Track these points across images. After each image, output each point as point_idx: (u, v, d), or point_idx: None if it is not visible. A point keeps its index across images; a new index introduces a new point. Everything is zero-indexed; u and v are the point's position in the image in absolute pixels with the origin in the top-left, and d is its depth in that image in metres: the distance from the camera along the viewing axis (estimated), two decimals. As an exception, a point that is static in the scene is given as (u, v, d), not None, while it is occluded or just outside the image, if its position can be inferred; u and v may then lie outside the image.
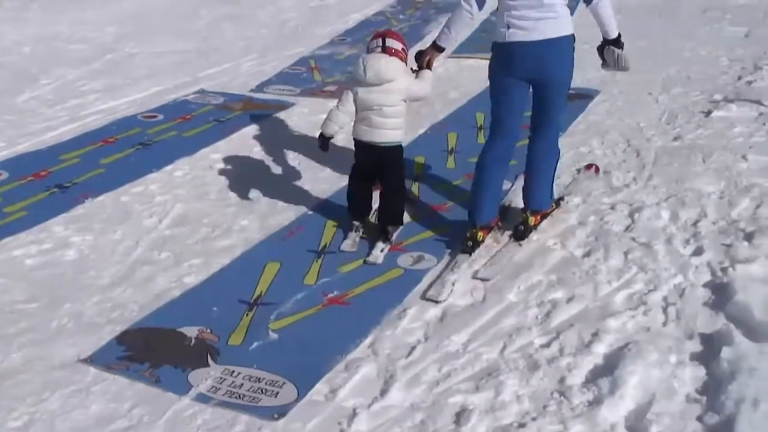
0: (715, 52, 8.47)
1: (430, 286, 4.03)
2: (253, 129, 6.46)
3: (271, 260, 4.30)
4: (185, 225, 4.78)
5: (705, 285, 3.95)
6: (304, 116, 6.82)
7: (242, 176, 5.50)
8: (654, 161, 5.60)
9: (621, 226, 4.61)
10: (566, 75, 4.20)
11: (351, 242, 4.50)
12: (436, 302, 3.88)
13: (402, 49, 4.41)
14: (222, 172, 5.58)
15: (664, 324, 3.65)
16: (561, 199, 4.88)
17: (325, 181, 5.39)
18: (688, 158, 5.63)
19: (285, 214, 4.91)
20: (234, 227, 4.75)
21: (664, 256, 4.25)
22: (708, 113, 6.59)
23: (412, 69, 4.45)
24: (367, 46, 4.47)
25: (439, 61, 4.66)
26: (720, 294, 3.81)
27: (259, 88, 7.67)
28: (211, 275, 4.17)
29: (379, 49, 4.38)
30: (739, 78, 7.55)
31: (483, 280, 4.07)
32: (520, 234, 4.48)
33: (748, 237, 4.38)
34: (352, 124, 4.48)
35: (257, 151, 6.00)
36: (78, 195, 5.12)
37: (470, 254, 4.31)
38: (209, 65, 8.34)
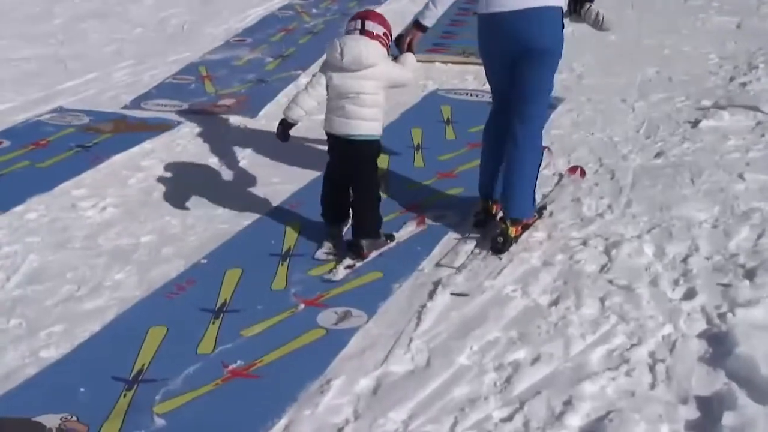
0: (702, 49, 8.77)
1: (445, 255, 4.73)
2: (127, 157, 6.44)
3: (155, 324, 4.26)
4: (41, 282, 4.71)
5: (699, 335, 4.01)
6: (193, 139, 6.85)
7: (116, 217, 5.47)
8: (632, 184, 5.74)
9: (595, 266, 4.69)
10: (552, 52, 4.60)
11: (326, 251, 4.86)
12: (454, 269, 4.52)
13: (384, 33, 4.72)
14: (88, 212, 5.54)
15: (652, 386, 3.69)
16: (543, 208, 5.23)
17: (223, 221, 5.40)
18: (673, 179, 5.77)
19: (171, 263, 4.89)
20: (105, 283, 4.69)
21: (648, 301, 4.33)
22: (695, 123, 6.77)
23: (393, 57, 4.80)
24: (345, 28, 4.76)
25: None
26: (718, 346, 3.87)
27: (135, 103, 7.68)
28: (77, 347, 4.10)
29: (358, 32, 4.67)
30: (732, 79, 7.81)
31: (460, 295, 4.39)
32: (499, 247, 4.80)
33: (749, 274, 4.48)
34: (323, 116, 4.78)
35: (134, 185, 5.99)
36: None
37: (482, 227, 4.96)
38: (69, 76, 8.32)
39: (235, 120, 7.31)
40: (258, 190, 5.83)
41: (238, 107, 7.59)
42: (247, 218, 5.40)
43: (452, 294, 4.44)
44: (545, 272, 4.65)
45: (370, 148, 4.79)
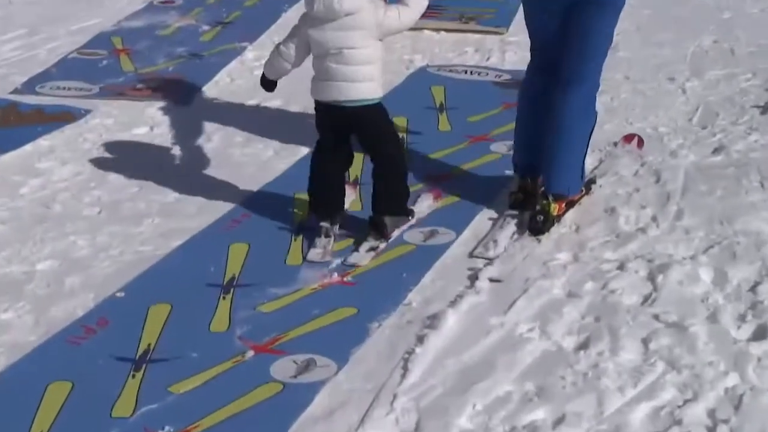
0: (775, 9, 8.77)
1: (478, 244, 5.14)
2: (18, 157, 6.43)
3: (56, 379, 4.24)
4: None
5: (774, 387, 4.02)
6: (105, 132, 6.84)
7: (3, 237, 5.46)
8: (683, 189, 5.76)
9: (636, 297, 4.70)
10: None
11: (321, 251, 5.11)
12: (487, 260, 4.92)
13: None
14: (-33, 230, 5.49)
15: (713, 455, 3.68)
16: (592, 182, 5.63)
17: (145, 240, 5.40)
18: (737, 182, 5.80)
19: (77, 298, 4.87)
20: (-10, 324, 4.65)
21: (706, 343, 4.32)
22: (766, 108, 6.84)
23: None
24: None
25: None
26: (797, 401, 3.89)
27: (29, 87, 7.68)
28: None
29: None
30: (812, 51, 7.82)
31: (493, 281, 4.75)
32: (539, 227, 5.22)
33: (837, 307, 4.50)
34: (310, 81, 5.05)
35: (27, 194, 5.97)
36: None
37: (521, 209, 5.36)
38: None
39: (160, 108, 7.30)
40: (193, 200, 5.84)
41: (164, 91, 7.59)
42: (178, 237, 5.40)
43: (491, 280, 4.81)
44: (571, 306, 4.66)
45: (371, 113, 4.98)
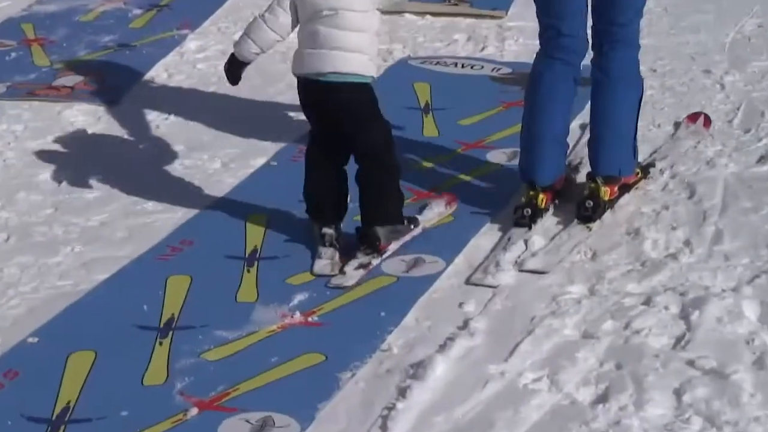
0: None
1: (476, 269, 5.22)
2: None
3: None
4: None
5: (835, 448, 4.01)
6: (16, 139, 6.87)
7: None
8: (723, 206, 5.76)
9: (665, 339, 4.71)
10: None
11: (327, 262, 5.31)
12: (489, 287, 5.01)
13: None
14: None
15: None
16: (651, 165, 5.96)
17: (63, 273, 5.40)
18: (787, 197, 5.81)
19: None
20: None
21: (752, 394, 4.28)
22: (821, 108, 6.83)
23: None
24: None
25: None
26: None
27: None
28: None
29: None
30: None
31: (536, 272, 5.11)
32: (588, 214, 5.51)
33: None
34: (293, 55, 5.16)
35: None
36: None
37: (529, 227, 5.50)
38: None
39: (81, 110, 7.31)
40: (122, 223, 5.85)
41: (87, 90, 7.60)
42: (103, 268, 5.42)
43: (524, 271, 5.17)
44: (586, 349, 4.65)
45: (358, 95, 5.07)
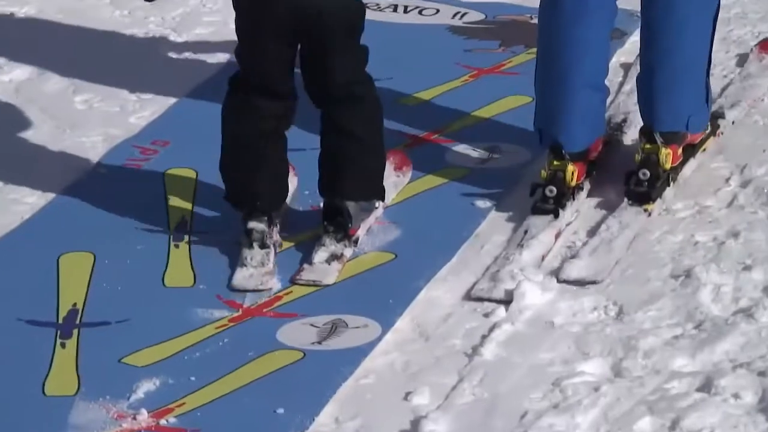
0: None
1: (480, 278, 4.53)
2: None
3: None
4: None
5: None
6: None
7: None
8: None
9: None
10: None
11: (254, 271, 4.55)
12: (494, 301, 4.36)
13: None
14: None
15: None
16: (720, 116, 5.25)
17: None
18: None
19: None
20: None
21: None
22: None
23: None
24: None
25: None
26: None
27: None
28: None
29: None
30: None
31: (579, 284, 4.38)
32: (644, 189, 4.71)
33: None
34: None
35: None
36: None
37: (556, 214, 4.72)
38: None
39: None
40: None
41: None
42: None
43: (563, 282, 4.44)
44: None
45: (342, 9, 4.55)
